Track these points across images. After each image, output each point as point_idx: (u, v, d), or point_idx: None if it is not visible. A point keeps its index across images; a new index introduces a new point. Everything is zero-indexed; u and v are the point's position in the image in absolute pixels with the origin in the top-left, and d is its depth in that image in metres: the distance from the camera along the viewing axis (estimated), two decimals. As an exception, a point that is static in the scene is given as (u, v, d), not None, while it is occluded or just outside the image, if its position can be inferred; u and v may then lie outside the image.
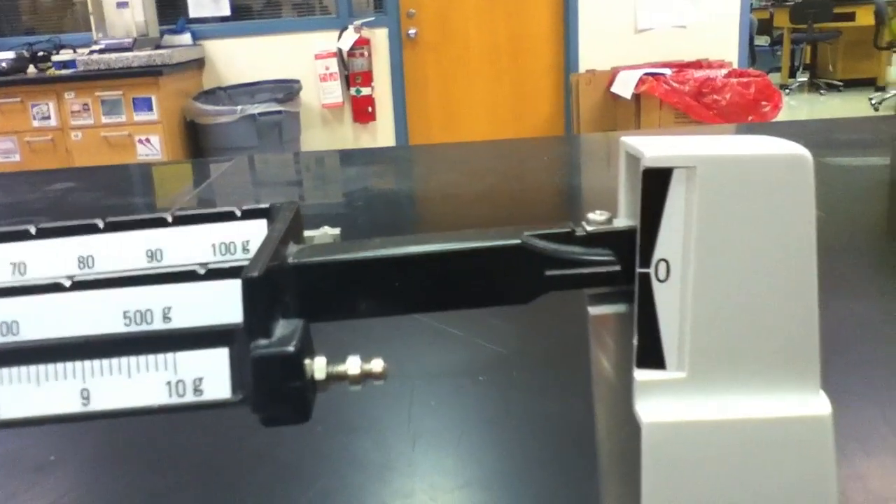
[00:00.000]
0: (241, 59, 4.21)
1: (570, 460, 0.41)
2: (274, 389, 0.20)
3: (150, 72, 3.59)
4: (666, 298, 0.22)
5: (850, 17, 7.14)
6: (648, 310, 0.22)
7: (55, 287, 0.21)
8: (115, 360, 0.20)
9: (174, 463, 0.44)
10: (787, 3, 7.52)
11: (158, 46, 3.94)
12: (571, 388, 0.47)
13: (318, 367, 0.21)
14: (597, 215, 0.24)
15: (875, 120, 2.03)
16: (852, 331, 0.54)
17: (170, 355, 0.20)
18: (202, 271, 0.21)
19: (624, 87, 3.83)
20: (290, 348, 0.20)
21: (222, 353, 0.20)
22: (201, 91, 4.05)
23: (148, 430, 0.46)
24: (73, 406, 0.20)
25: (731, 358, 0.22)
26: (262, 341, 0.20)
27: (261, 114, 3.73)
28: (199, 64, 4.17)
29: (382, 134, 4.38)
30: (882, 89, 7.04)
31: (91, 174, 1.40)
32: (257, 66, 4.18)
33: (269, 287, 0.21)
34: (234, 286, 0.21)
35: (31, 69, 3.81)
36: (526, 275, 0.23)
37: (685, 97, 3.64)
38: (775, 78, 7.11)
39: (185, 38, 4.11)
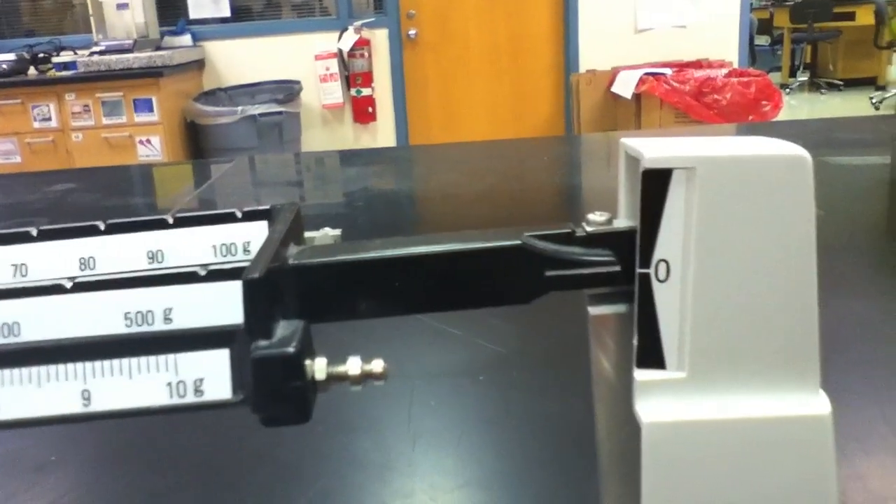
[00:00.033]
0: (242, 59, 4.22)
1: (570, 460, 0.41)
2: (274, 390, 0.20)
3: (151, 73, 3.59)
4: (666, 299, 0.22)
5: (850, 16, 7.14)
6: (648, 310, 0.22)
7: (56, 288, 0.21)
8: (115, 362, 0.20)
9: (174, 463, 0.44)
10: (787, 3, 7.52)
11: (159, 48, 3.94)
12: (571, 388, 0.47)
13: (319, 367, 0.21)
14: (597, 216, 0.24)
15: (875, 119, 2.03)
16: (852, 330, 0.54)
17: (171, 356, 0.20)
18: (203, 272, 0.21)
19: (624, 86, 3.83)
20: (291, 349, 0.20)
21: (223, 354, 0.20)
22: (202, 92, 4.06)
23: (148, 430, 0.46)
24: (74, 407, 0.20)
25: (731, 358, 0.22)
26: (263, 342, 0.20)
27: (261, 114, 3.73)
28: (199, 65, 4.17)
29: (383, 134, 4.38)
30: (882, 88, 7.04)
31: (92, 175, 1.41)
32: (257, 66, 4.19)
33: (269, 288, 0.21)
34: (235, 287, 0.21)
35: (32, 71, 3.81)
36: (526, 275, 0.23)
37: (685, 97, 3.64)
38: (776, 77, 7.11)
39: (186, 39, 4.12)
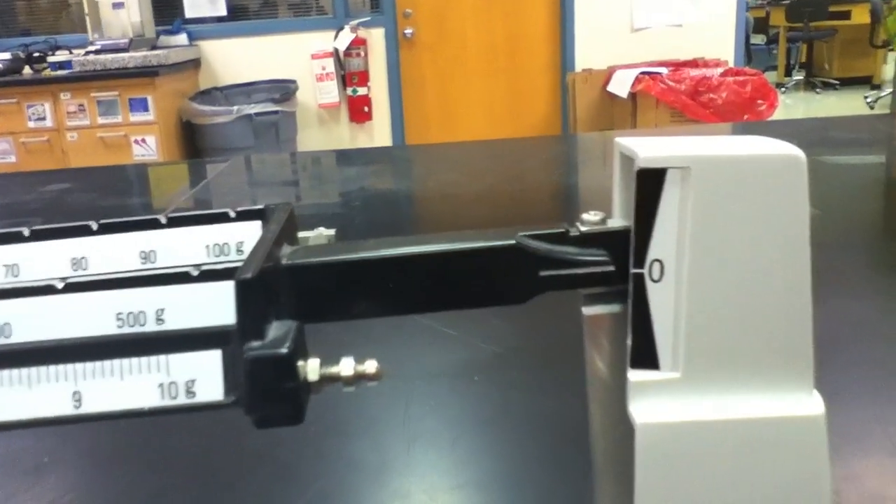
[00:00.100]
0: (238, 59, 4.21)
1: (567, 459, 0.41)
2: (267, 391, 0.20)
3: (146, 72, 3.58)
4: (660, 299, 0.22)
5: (846, 15, 7.15)
6: (642, 310, 0.22)
7: (48, 289, 0.21)
8: (107, 363, 0.20)
9: (172, 464, 0.44)
10: (783, 2, 7.53)
11: (154, 47, 3.93)
12: (568, 387, 0.47)
13: (312, 368, 0.21)
14: (591, 216, 0.24)
15: (870, 118, 2.04)
16: (847, 329, 0.54)
17: (162, 357, 0.20)
18: (195, 273, 0.21)
19: (620, 86, 3.84)
20: (284, 350, 0.20)
21: (215, 355, 0.20)
22: (197, 91, 4.05)
23: (145, 430, 0.46)
24: (66, 409, 0.20)
25: (725, 358, 0.22)
26: (256, 343, 0.20)
27: (257, 114, 3.72)
28: (195, 64, 4.16)
29: (379, 134, 4.38)
30: (877, 87, 7.05)
31: (87, 175, 1.40)
32: (254, 66, 4.18)
33: (262, 288, 0.21)
34: (228, 288, 0.21)
35: (27, 70, 3.80)
36: (520, 275, 0.23)
37: (681, 96, 3.64)
38: (771, 76, 7.12)
39: (181, 38, 4.11)
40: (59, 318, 0.21)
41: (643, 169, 0.22)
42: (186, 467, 0.43)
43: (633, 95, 3.81)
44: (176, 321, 0.21)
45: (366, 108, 4.28)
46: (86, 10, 3.90)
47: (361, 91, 4.24)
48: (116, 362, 0.20)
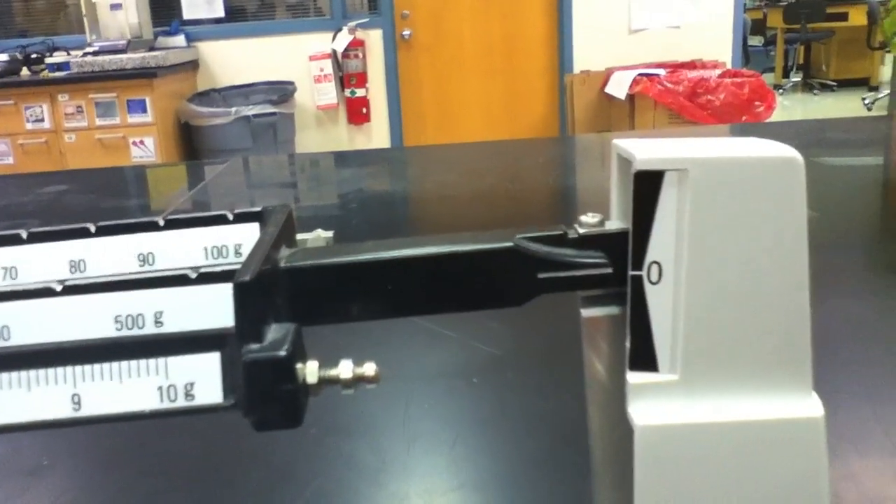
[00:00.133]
0: (236, 60, 4.21)
1: (565, 461, 0.41)
2: (265, 393, 0.20)
3: (144, 74, 3.58)
4: (658, 301, 0.22)
5: (843, 16, 7.17)
6: (641, 312, 0.22)
7: (46, 292, 0.21)
8: (106, 365, 0.20)
9: (169, 465, 0.44)
10: (781, 4, 7.54)
11: (152, 48, 3.93)
12: (566, 389, 0.47)
13: (310, 370, 0.21)
14: (589, 217, 0.24)
15: (868, 120, 2.04)
16: (845, 329, 0.54)
17: (161, 360, 0.20)
18: (194, 275, 0.21)
19: (618, 87, 3.84)
20: (282, 352, 0.20)
21: (214, 358, 0.20)
22: (195, 93, 4.05)
23: (142, 432, 0.46)
24: (65, 411, 0.20)
25: (724, 360, 0.22)
26: (254, 345, 0.20)
27: (255, 115, 3.72)
28: (193, 66, 4.16)
29: (377, 135, 4.38)
30: (875, 89, 7.06)
31: (85, 176, 1.40)
32: (251, 67, 4.18)
33: (260, 291, 0.21)
34: (226, 290, 0.21)
35: (25, 71, 3.80)
36: (518, 277, 0.23)
37: (679, 97, 3.64)
38: (769, 78, 7.13)
39: (179, 39, 4.11)
40: (58, 321, 0.21)
41: (641, 171, 0.22)
42: (185, 467, 0.43)
43: (630, 97, 3.81)
44: (174, 324, 0.21)
45: (364, 110, 4.29)
46: (83, 12, 3.89)
47: (359, 92, 4.24)
48: (115, 365, 0.20)
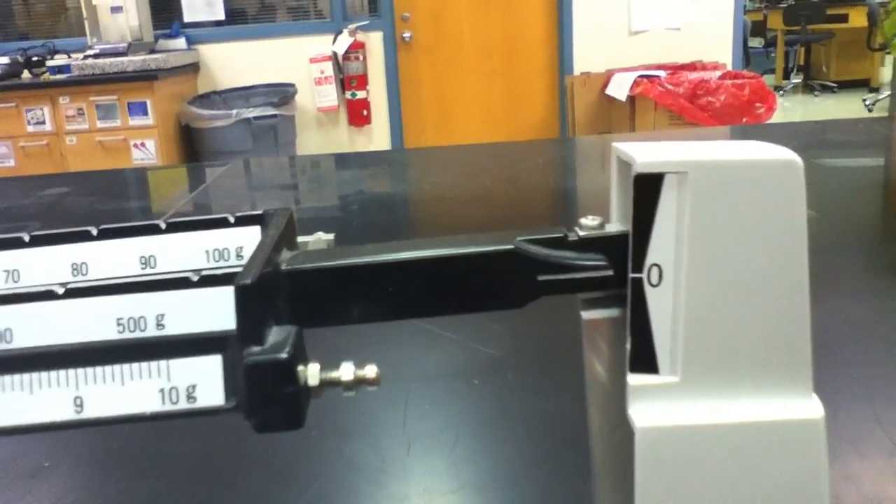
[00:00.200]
0: (236, 62, 4.21)
1: (565, 461, 0.41)
2: (267, 396, 0.20)
3: (145, 76, 3.59)
4: (658, 303, 0.22)
5: (843, 18, 7.17)
6: (641, 314, 0.22)
7: (48, 294, 0.21)
8: (108, 368, 0.20)
9: (170, 467, 0.44)
10: (781, 5, 7.55)
11: (153, 51, 3.94)
12: (566, 390, 0.47)
13: (312, 373, 0.21)
14: (589, 220, 0.24)
15: (868, 121, 2.04)
16: (845, 330, 0.54)
17: (163, 362, 0.20)
18: (195, 278, 0.21)
19: (619, 89, 3.84)
20: (283, 355, 0.20)
21: (215, 360, 0.20)
22: (196, 95, 4.05)
23: (144, 434, 0.46)
24: (67, 414, 0.20)
25: (724, 362, 0.22)
26: (255, 348, 0.20)
27: (256, 117, 3.73)
28: (193, 68, 4.16)
29: (378, 137, 4.38)
30: (875, 90, 7.06)
31: (86, 179, 1.40)
32: (252, 69, 4.18)
33: (261, 294, 0.21)
34: (227, 293, 0.21)
35: (26, 74, 3.80)
36: (518, 280, 0.23)
37: (679, 99, 3.64)
38: (769, 79, 7.13)
39: (180, 42, 4.11)
40: (60, 324, 0.21)
41: (641, 174, 0.22)
42: (186, 469, 0.43)
43: (631, 98, 3.81)
44: (176, 326, 0.21)
45: (364, 112, 4.29)
46: (84, 14, 3.90)
47: (360, 94, 4.25)
48: (117, 367, 0.20)
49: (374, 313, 0.23)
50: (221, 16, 4.23)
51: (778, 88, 7.33)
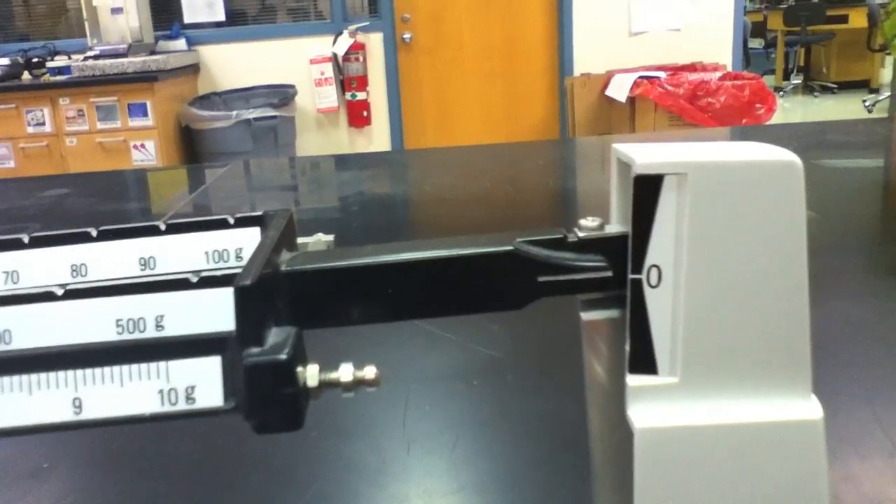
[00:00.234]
0: (236, 64, 4.22)
1: (565, 462, 0.41)
2: (266, 397, 0.20)
3: (145, 77, 3.59)
4: (658, 304, 0.22)
5: (843, 19, 7.17)
6: (640, 315, 0.22)
7: (47, 296, 0.21)
8: (107, 369, 0.20)
9: (170, 468, 0.44)
10: (781, 6, 7.55)
11: (153, 52, 3.94)
12: (566, 391, 0.47)
13: (311, 374, 0.21)
14: (589, 221, 0.24)
15: (869, 122, 2.04)
16: (845, 331, 0.54)
17: (162, 363, 0.20)
18: (195, 279, 0.21)
19: (619, 90, 3.84)
20: (283, 356, 0.20)
21: (215, 361, 0.20)
22: (196, 96, 4.05)
23: (143, 435, 0.46)
24: (66, 415, 0.20)
25: (723, 363, 0.22)
26: (255, 349, 0.20)
27: (256, 119, 3.73)
28: (194, 69, 4.17)
29: (378, 138, 4.38)
30: (875, 91, 7.06)
31: (86, 180, 1.40)
32: (252, 71, 4.19)
33: (261, 295, 0.21)
34: (227, 294, 0.21)
35: (26, 75, 3.80)
36: (518, 281, 0.23)
37: (680, 100, 3.65)
38: (769, 80, 7.14)
39: (180, 43, 4.11)
40: (59, 325, 0.21)
41: (640, 175, 0.22)
42: (186, 470, 0.43)
43: (631, 99, 3.82)
44: (175, 327, 0.21)
45: (364, 113, 4.29)
46: (84, 16, 3.90)
47: (360, 96, 4.25)
48: (116, 369, 0.20)
49: (374, 314, 0.23)
50: (222, 17, 4.23)
51: (778, 89, 7.33)
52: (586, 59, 4.26)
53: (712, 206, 0.22)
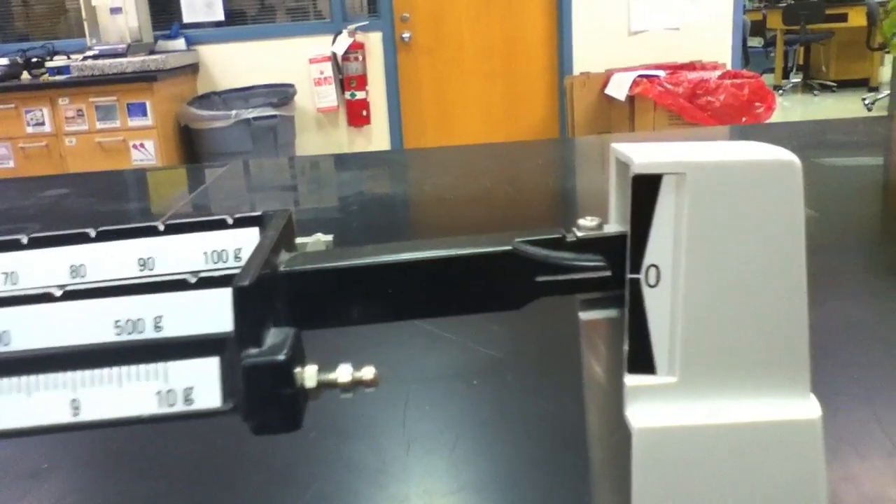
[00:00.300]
0: (236, 63, 4.21)
1: (565, 462, 0.41)
2: (264, 398, 0.20)
3: (145, 77, 3.59)
4: (656, 304, 0.22)
5: (843, 17, 7.17)
6: (639, 315, 0.22)
7: (46, 297, 0.21)
8: (105, 370, 0.20)
9: (169, 468, 0.44)
10: (780, 5, 7.55)
11: (152, 52, 3.94)
12: (566, 390, 0.47)
13: (309, 375, 0.21)
14: (587, 221, 0.24)
15: (868, 120, 2.04)
16: (845, 331, 0.54)
17: (160, 364, 0.20)
18: (193, 280, 0.21)
19: (618, 89, 3.84)
20: (281, 357, 0.20)
21: (213, 362, 0.20)
22: (196, 96, 4.05)
23: (143, 435, 0.46)
24: (64, 416, 0.20)
25: (721, 362, 0.22)
26: (253, 350, 0.20)
27: (255, 118, 3.73)
28: (193, 69, 4.16)
29: (377, 137, 4.38)
30: (875, 90, 7.06)
31: (85, 180, 1.40)
32: (252, 70, 4.19)
33: (259, 295, 0.21)
34: (225, 295, 0.21)
35: (25, 75, 3.80)
36: (517, 281, 0.23)
37: (679, 99, 3.65)
38: (769, 79, 7.14)
39: (179, 43, 4.11)
40: (58, 326, 0.21)
41: (639, 175, 0.22)
42: (186, 470, 0.43)
43: (630, 98, 3.81)
44: (174, 328, 0.21)
45: (364, 112, 4.29)
46: (84, 16, 3.90)
47: (359, 95, 4.25)
48: (115, 370, 0.20)
49: (372, 315, 0.23)
50: (221, 16, 4.23)
51: (777, 88, 7.33)
52: (586, 59, 4.26)
53: (711, 205, 0.22)
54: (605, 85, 3.97)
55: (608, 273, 0.23)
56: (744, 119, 3.61)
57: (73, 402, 0.20)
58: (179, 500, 0.41)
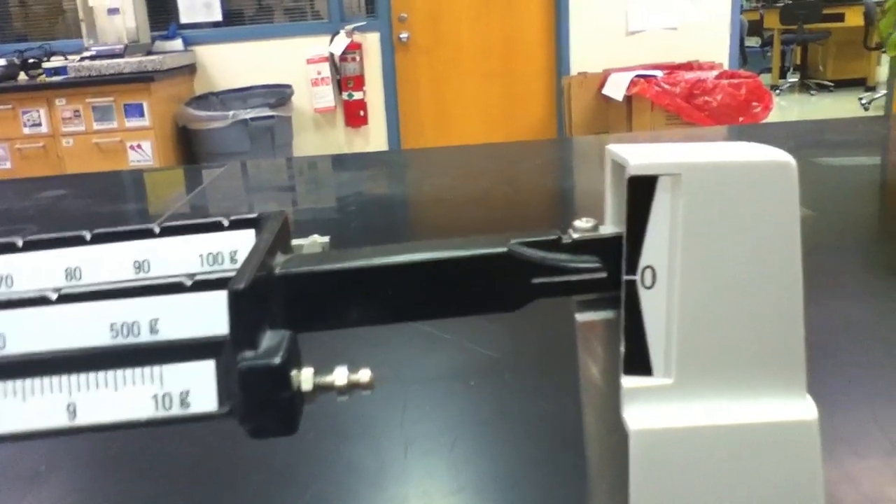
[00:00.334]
0: (233, 64, 4.21)
1: (565, 463, 0.41)
2: (260, 401, 0.20)
3: (142, 78, 3.58)
4: (652, 305, 0.22)
5: (840, 17, 7.18)
6: (635, 317, 0.22)
7: (41, 300, 0.21)
8: (101, 374, 0.20)
9: (169, 469, 0.44)
10: (777, 5, 7.56)
11: (150, 52, 3.93)
12: (564, 391, 0.47)
13: (305, 378, 0.21)
14: (583, 222, 0.24)
15: (865, 120, 2.05)
16: (844, 331, 0.54)
17: (156, 368, 0.20)
18: (189, 283, 0.21)
19: (615, 89, 3.85)
20: (277, 360, 0.20)
21: (209, 366, 0.20)
22: (193, 96, 4.05)
23: (141, 436, 0.46)
24: (60, 420, 0.20)
25: (718, 364, 0.22)
26: (249, 353, 0.20)
27: (253, 119, 3.72)
28: (190, 69, 4.16)
29: (375, 138, 4.38)
30: (872, 89, 7.07)
31: (82, 181, 1.40)
32: (249, 71, 4.18)
33: (255, 298, 0.21)
34: (221, 297, 0.21)
35: (22, 76, 3.80)
36: (513, 283, 0.23)
37: (676, 99, 3.65)
38: (766, 79, 7.15)
39: (177, 43, 4.11)
40: (53, 329, 0.21)
41: (634, 176, 0.22)
42: (185, 471, 0.43)
43: (628, 98, 3.82)
44: (170, 331, 0.21)
45: (361, 113, 4.29)
46: (81, 16, 3.90)
47: (357, 95, 4.25)
48: (111, 373, 0.20)
49: (369, 317, 0.23)
50: (218, 17, 4.23)
51: (774, 88, 7.35)
52: (583, 59, 4.26)
53: (706, 206, 0.22)
54: (602, 85, 3.97)
55: (604, 274, 0.23)
56: (741, 119, 3.62)
57: (69, 406, 0.20)
58: (179, 500, 0.41)
